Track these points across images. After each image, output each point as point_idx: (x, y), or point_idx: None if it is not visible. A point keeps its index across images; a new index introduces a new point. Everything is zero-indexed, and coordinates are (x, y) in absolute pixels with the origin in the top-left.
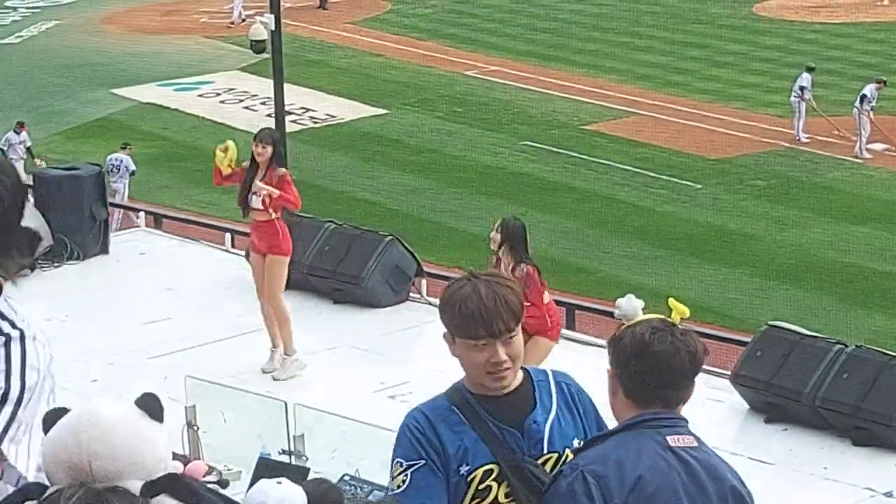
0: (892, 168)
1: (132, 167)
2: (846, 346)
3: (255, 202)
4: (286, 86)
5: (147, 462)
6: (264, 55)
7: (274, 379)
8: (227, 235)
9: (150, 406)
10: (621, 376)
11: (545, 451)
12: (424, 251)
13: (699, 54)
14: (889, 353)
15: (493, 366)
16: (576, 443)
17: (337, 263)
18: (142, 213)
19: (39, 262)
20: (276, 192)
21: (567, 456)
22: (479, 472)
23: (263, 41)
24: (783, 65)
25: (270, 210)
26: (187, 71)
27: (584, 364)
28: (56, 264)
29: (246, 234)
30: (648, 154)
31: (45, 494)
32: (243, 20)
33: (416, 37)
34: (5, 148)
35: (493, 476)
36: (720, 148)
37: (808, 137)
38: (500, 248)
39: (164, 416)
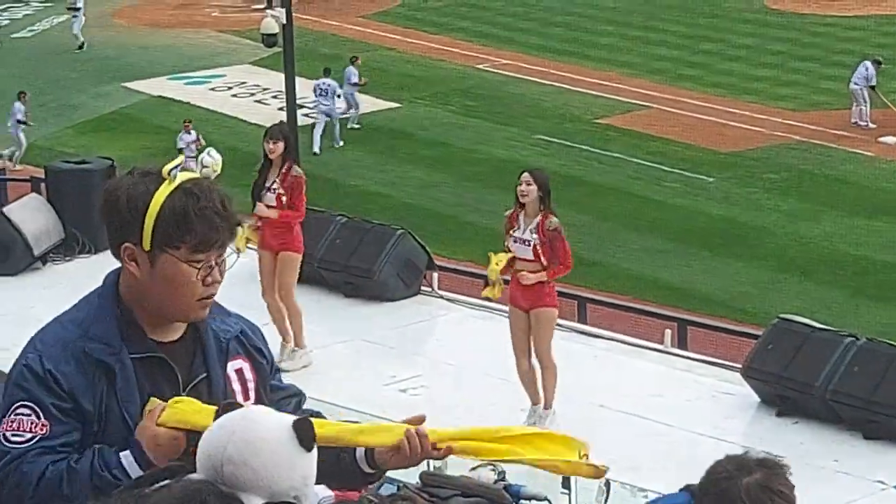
0: None
1: (339, 90)
2: (857, 339)
3: (269, 199)
4: (298, 79)
5: (276, 486)
6: (276, 49)
7: (283, 371)
8: None
9: (303, 434)
10: None
11: None
12: (437, 245)
13: (712, 48)
14: None
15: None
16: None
17: (348, 257)
18: None
19: (51, 255)
20: (275, 215)
21: None
22: None
23: (275, 35)
24: (795, 58)
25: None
26: (198, 65)
27: (595, 357)
28: (67, 258)
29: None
30: (661, 148)
31: (177, 478)
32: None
33: (428, 31)
34: (183, 146)
35: None
36: (732, 141)
37: (873, 124)
38: (539, 201)
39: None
